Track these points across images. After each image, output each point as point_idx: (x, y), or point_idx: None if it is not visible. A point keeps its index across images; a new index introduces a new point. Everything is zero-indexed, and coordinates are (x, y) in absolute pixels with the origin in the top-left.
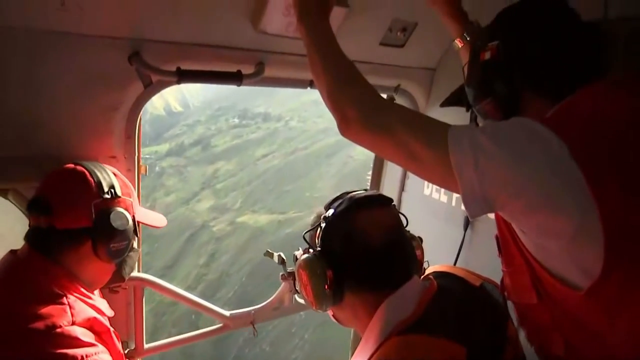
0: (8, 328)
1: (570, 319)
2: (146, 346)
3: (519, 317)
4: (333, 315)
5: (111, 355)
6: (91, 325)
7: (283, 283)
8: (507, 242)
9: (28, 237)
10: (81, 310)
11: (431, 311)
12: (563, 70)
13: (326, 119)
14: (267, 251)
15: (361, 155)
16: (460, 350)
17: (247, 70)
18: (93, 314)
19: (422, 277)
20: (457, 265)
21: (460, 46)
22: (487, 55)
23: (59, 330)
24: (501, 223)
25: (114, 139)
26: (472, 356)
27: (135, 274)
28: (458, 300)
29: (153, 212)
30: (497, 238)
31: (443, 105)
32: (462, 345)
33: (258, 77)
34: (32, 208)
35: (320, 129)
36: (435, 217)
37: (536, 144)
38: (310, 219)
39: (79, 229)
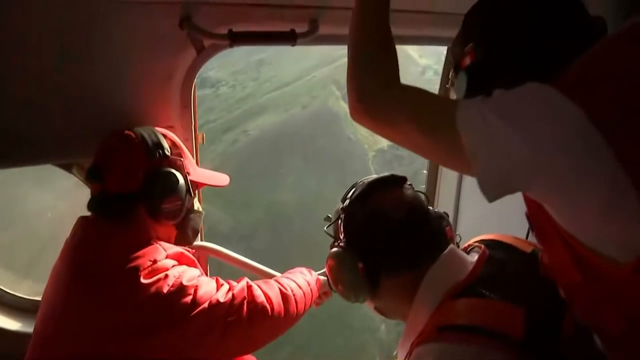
0: (120, 272)
1: (622, 295)
2: None
3: (565, 294)
4: (375, 308)
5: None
6: (180, 258)
7: None
8: (539, 219)
9: (90, 206)
10: (170, 246)
11: (484, 275)
12: (553, 42)
13: (257, 83)
14: (328, 216)
15: (256, 131)
16: (518, 311)
17: (300, 29)
18: (180, 249)
19: (468, 245)
20: None
21: None
22: (467, 61)
23: (159, 263)
24: (530, 200)
25: (171, 109)
26: (531, 317)
27: (197, 242)
28: (511, 265)
29: (213, 172)
30: (527, 216)
31: None
32: (520, 306)
33: (312, 35)
34: (88, 177)
35: (241, 96)
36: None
37: (549, 117)
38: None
39: (130, 191)
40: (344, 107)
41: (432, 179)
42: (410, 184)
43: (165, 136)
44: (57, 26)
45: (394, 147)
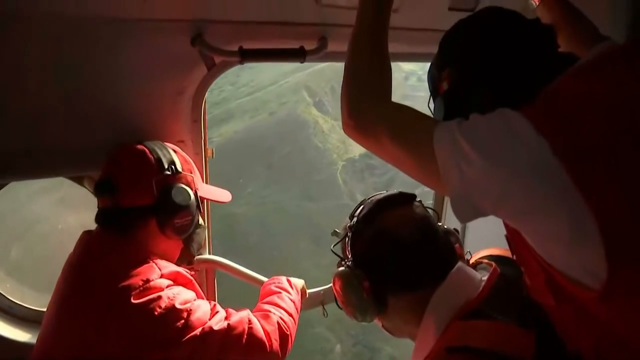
0: (111, 291)
1: (593, 322)
2: None
3: (550, 316)
4: (383, 326)
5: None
6: (175, 277)
7: None
8: (516, 242)
9: (98, 219)
10: (166, 265)
11: (494, 294)
12: (526, 68)
13: (235, 87)
14: (335, 230)
15: (220, 138)
16: (528, 334)
17: (309, 46)
18: (177, 268)
19: (474, 261)
20: None
21: (536, 5)
22: (444, 86)
23: (152, 282)
24: (507, 223)
25: (181, 124)
26: (542, 340)
27: (205, 255)
28: (519, 283)
29: (217, 188)
30: (506, 238)
31: None
32: (530, 329)
33: (321, 52)
34: (98, 189)
35: (216, 100)
36: None
37: (515, 145)
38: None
39: (142, 206)
40: (314, 114)
41: (440, 194)
42: (419, 201)
43: (175, 152)
44: (69, 44)
45: (367, 156)
